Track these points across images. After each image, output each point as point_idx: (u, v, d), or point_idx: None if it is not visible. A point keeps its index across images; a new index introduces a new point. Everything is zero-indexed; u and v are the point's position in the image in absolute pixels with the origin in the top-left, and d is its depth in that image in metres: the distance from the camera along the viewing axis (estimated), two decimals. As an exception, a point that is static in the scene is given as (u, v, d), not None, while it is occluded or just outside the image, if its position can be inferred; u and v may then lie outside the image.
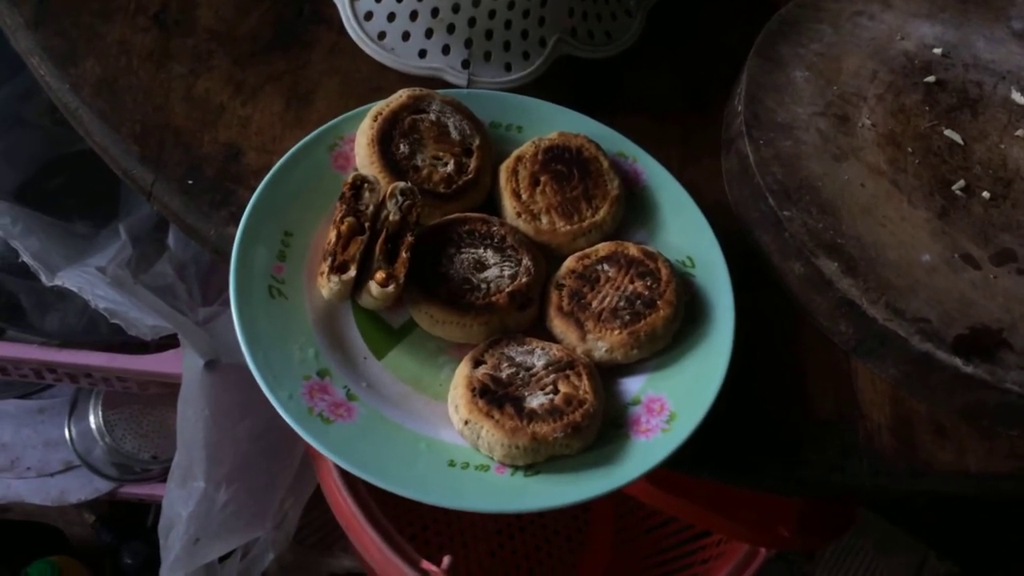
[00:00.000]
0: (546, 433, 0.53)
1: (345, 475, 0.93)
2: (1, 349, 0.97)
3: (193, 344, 0.89)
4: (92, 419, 1.12)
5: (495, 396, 0.54)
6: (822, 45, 0.74)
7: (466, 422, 0.54)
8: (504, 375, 0.56)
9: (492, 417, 0.54)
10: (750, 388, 0.62)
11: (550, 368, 0.56)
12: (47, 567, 1.20)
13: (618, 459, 0.54)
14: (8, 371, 1.02)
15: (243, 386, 0.93)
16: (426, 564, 0.89)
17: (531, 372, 0.56)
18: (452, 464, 0.53)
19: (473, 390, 0.55)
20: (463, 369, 0.57)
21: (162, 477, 1.13)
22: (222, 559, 1.06)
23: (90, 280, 0.90)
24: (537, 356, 0.57)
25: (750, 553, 0.99)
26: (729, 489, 0.91)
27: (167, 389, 1.02)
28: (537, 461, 0.54)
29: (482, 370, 0.56)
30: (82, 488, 1.15)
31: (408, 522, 1.23)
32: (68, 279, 0.90)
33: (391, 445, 0.54)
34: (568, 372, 0.56)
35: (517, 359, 0.57)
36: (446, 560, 0.89)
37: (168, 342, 0.94)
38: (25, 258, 0.90)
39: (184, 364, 0.90)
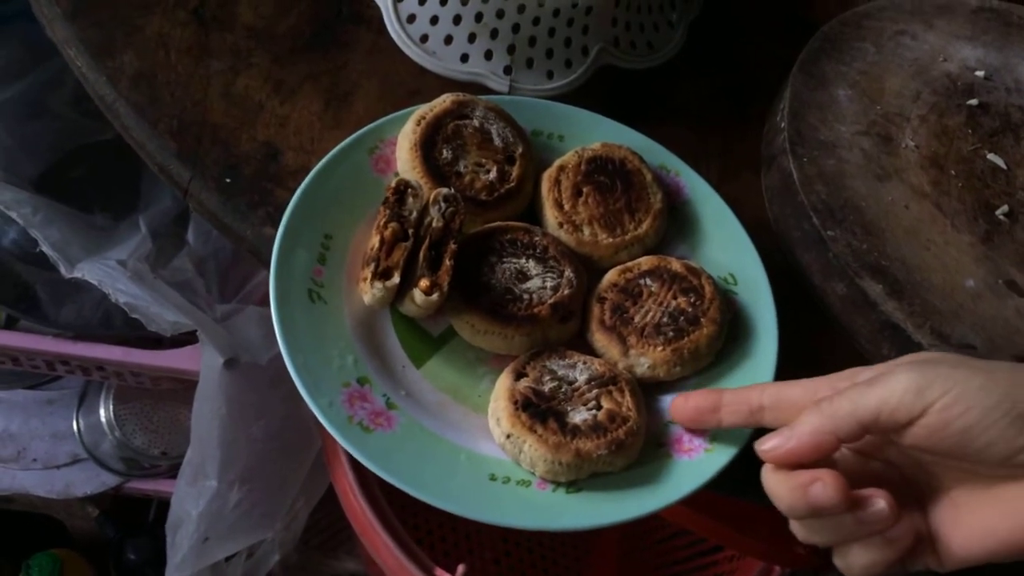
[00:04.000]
0: (590, 450, 0.52)
1: (360, 478, 0.92)
2: (15, 340, 0.96)
3: (213, 342, 0.88)
4: (102, 413, 1.11)
5: (538, 410, 0.54)
6: (865, 64, 0.74)
7: (508, 436, 0.53)
8: (546, 389, 0.55)
9: (535, 432, 0.53)
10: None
11: (593, 383, 0.56)
12: (49, 560, 1.19)
13: (661, 478, 0.53)
14: (21, 362, 1.01)
15: (260, 385, 0.92)
16: (440, 572, 0.88)
17: (573, 386, 0.55)
18: (493, 478, 0.53)
19: (516, 403, 0.54)
20: (504, 381, 0.56)
21: (169, 473, 1.12)
22: (228, 558, 1.05)
23: (111, 274, 0.89)
24: (579, 370, 0.56)
25: (764, 570, 0.98)
26: (744, 504, 0.90)
27: (180, 385, 1.01)
28: (579, 478, 0.53)
29: (524, 383, 0.55)
30: (88, 482, 1.13)
31: (414, 526, 1.22)
32: (88, 272, 0.88)
33: (431, 456, 0.53)
34: (611, 388, 0.55)
35: (559, 372, 0.56)
36: (460, 568, 0.88)
37: (182, 338, 0.93)
38: (45, 248, 0.89)
39: (203, 362, 0.89)
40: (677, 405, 0.54)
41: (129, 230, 0.96)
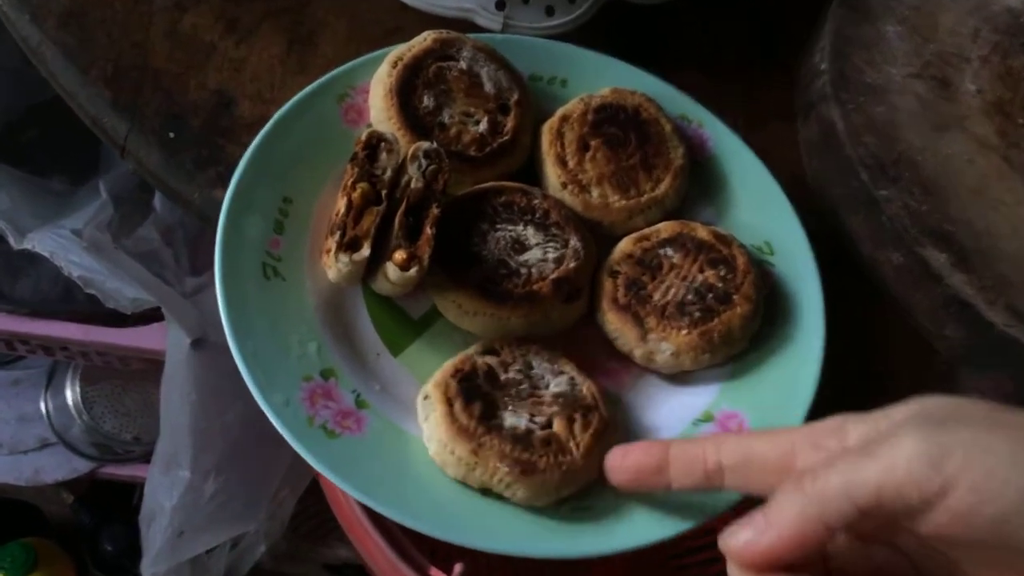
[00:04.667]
0: (492, 456, 0.43)
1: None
2: (-34, 318, 0.88)
3: (179, 320, 0.80)
4: (69, 394, 1.04)
5: (472, 386, 0.45)
6: (916, -4, 0.64)
7: (426, 397, 0.45)
8: (504, 376, 0.46)
9: (451, 406, 0.44)
10: (833, 401, 0.52)
11: (560, 400, 0.45)
12: (21, 550, 1.12)
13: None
14: (-26, 341, 0.93)
15: (233, 367, 0.83)
16: (435, 573, 0.80)
17: (536, 393, 0.46)
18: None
19: (459, 370, 0.45)
20: (470, 348, 0.47)
21: (145, 458, 1.04)
22: (209, 551, 0.97)
23: (64, 244, 0.81)
24: (558, 383, 0.46)
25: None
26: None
27: (151, 365, 0.93)
28: (467, 482, 0.44)
29: (486, 358, 0.46)
30: (59, 467, 1.08)
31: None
32: (39, 242, 0.81)
33: (407, 466, 0.44)
34: (576, 415, 0.45)
35: (534, 370, 0.47)
36: (457, 568, 0.80)
37: (151, 313, 0.85)
38: (-8, 217, 0.80)
39: (169, 342, 0.81)
40: (613, 464, 0.43)
41: (88, 196, 0.88)
